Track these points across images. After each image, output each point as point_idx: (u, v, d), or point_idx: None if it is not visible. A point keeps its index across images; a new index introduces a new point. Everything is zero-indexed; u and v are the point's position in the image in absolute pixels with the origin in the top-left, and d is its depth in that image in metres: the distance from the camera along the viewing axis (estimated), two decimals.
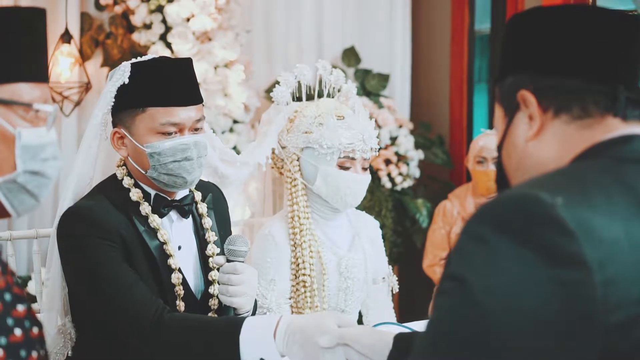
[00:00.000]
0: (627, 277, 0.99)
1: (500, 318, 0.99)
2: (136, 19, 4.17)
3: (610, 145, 1.18)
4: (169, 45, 4.11)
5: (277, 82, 2.67)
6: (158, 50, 4.04)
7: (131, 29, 4.26)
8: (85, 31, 4.39)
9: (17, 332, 1.17)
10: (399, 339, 1.69)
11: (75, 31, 4.33)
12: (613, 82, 1.21)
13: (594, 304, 0.97)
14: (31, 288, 3.98)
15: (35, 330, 1.21)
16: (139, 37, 4.17)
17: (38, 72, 1.35)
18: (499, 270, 1.00)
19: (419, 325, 2.24)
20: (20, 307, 1.19)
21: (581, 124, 1.21)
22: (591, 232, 1.00)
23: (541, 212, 1.01)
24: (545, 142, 1.24)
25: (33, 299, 3.78)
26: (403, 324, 2.21)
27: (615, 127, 1.20)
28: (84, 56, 4.35)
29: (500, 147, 1.33)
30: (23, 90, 1.31)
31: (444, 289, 1.07)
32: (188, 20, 4.11)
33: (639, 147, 1.17)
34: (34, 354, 1.20)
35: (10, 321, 1.16)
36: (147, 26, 4.17)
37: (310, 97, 2.70)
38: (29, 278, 4.10)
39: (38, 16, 1.36)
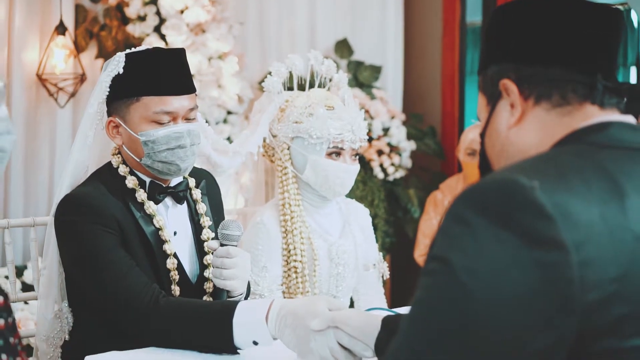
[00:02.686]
0: (602, 258, 1.03)
1: (483, 297, 1.02)
2: (130, 11, 4.20)
3: (589, 131, 1.22)
4: (163, 37, 4.14)
5: (269, 74, 2.70)
6: (152, 42, 4.07)
7: (125, 20, 4.29)
8: (79, 23, 4.42)
9: None
10: (387, 321, 1.72)
11: (69, 23, 4.35)
12: (592, 71, 1.25)
13: (571, 284, 1.01)
14: (27, 277, 4.02)
15: (9, 319, 1.24)
16: (133, 29, 4.21)
17: None
18: (481, 252, 1.04)
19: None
20: None
21: (561, 111, 1.25)
22: (568, 215, 1.03)
23: (520, 195, 1.04)
24: (526, 129, 1.28)
25: (30, 287, 3.83)
26: (393, 309, 2.25)
27: (593, 115, 1.24)
28: (78, 48, 4.38)
29: (483, 135, 1.37)
30: None
31: (428, 269, 1.10)
32: (182, 12, 4.14)
33: (615, 134, 1.21)
34: (1, 321, 1.23)
35: None
36: (142, 18, 4.20)
37: (301, 87, 2.74)
38: (25, 267, 4.13)
39: None
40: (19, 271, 4.07)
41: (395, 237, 4.83)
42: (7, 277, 3.68)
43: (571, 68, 1.25)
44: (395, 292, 4.90)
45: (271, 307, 1.85)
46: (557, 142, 1.24)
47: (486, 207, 1.06)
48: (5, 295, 1.26)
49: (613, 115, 1.25)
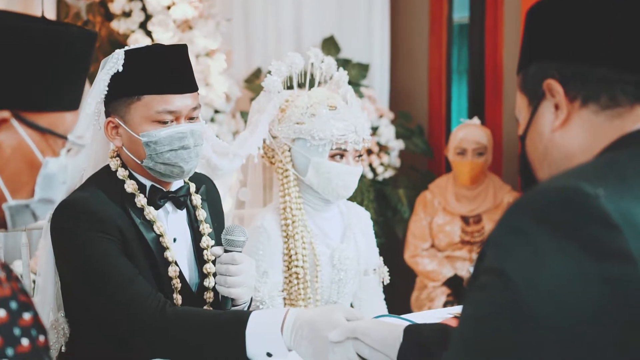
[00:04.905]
0: None
1: (544, 313, 0.96)
2: (115, 7, 4.10)
3: None
4: (149, 34, 4.05)
5: (259, 70, 2.63)
6: (138, 39, 3.98)
7: (109, 17, 4.19)
8: (61, 19, 4.31)
9: (25, 342, 1.13)
10: (409, 331, 1.66)
11: (51, 19, 4.24)
12: None
13: None
14: None
15: (41, 338, 1.17)
16: (118, 26, 4.10)
17: (76, 100, 1.33)
18: (542, 264, 0.97)
19: (418, 317, 2.22)
20: (27, 315, 1.15)
21: (610, 113, 1.18)
22: (635, 224, 0.97)
23: (584, 204, 0.98)
24: (572, 132, 1.21)
25: None
26: (400, 316, 2.19)
27: None
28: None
29: (524, 137, 1.30)
30: (60, 120, 1.28)
31: (481, 283, 1.04)
32: (169, 8, 4.06)
33: None
34: None
35: (17, 331, 1.12)
36: (127, 14, 4.10)
37: (301, 86, 2.67)
38: None
39: (91, 40, 1.33)
40: None
41: (384, 238, 4.78)
42: None
43: (620, 67, 1.18)
44: (385, 293, 4.84)
45: (286, 318, 1.78)
46: (608, 146, 1.18)
47: (547, 216, 1.00)
48: (46, 333, 1.20)
49: None
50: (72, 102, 1.30)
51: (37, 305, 2.09)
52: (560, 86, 1.21)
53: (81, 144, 1.32)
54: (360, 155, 2.60)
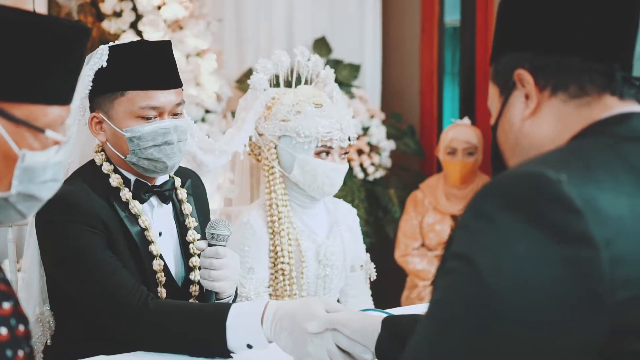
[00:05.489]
0: (633, 254, 0.99)
1: (508, 296, 0.98)
2: (106, 7, 4.11)
3: (610, 123, 1.17)
4: (139, 34, 4.07)
5: (251, 71, 2.64)
6: (129, 39, 3.98)
7: (100, 17, 4.20)
8: None
9: (3, 331, 1.14)
10: (387, 322, 1.67)
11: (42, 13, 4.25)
12: (610, 60, 1.20)
13: (601, 282, 0.97)
14: None
15: (21, 327, 1.18)
16: (109, 25, 4.12)
17: (64, 95, 1.29)
18: (506, 248, 0.99)
19: (401, 311, 2.22)
20: (6, 305, 1.16)
21: (579, 102, 1.20)
22: (597, 209, 0.99)
23: (547, 189, 1.00)
24: (542, 121, 1.23)
25: None
26: (385, 310, 2.20)
27: (613, 106, 1.19)
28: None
29: (495, 127, 1.32)
30: (40, 112, 1.24)
31: (448, 268, 1.05)
32: (159, 8, 4.07)
33: (636, 125, 1.17)
34: (20, 352, 1.16)
35: None
36: (117, 14, 4.11)
37: (288, 84, 2.68)
38: None
39: (81, 35, 1.30)
40: None
41: (375, 238, 4.79)
42: None
43: (589, 57, 1.20)
44: (375, 292, 4.85)
45: (266, 309, 1.79)
46: (576, 134, 1.19)
47: (511, 201, 1.01)
48: (27, 322, 1.20)
49: (633, 106, 1.20)
50: (54, 96, 1.26)
51: (23, 299, 2.11)
52: (530, 76, 1.23)
53: (58, 138, 1.28)
54: (346, 153, 2.61)
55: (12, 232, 2.48)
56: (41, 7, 4.23)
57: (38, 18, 1.26)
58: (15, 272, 2.45)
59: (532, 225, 0.98)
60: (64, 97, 1.29)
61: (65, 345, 2.11)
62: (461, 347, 1.01)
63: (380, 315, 1.73)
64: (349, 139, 2.59)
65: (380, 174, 4.78)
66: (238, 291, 2.43)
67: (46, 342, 2.16)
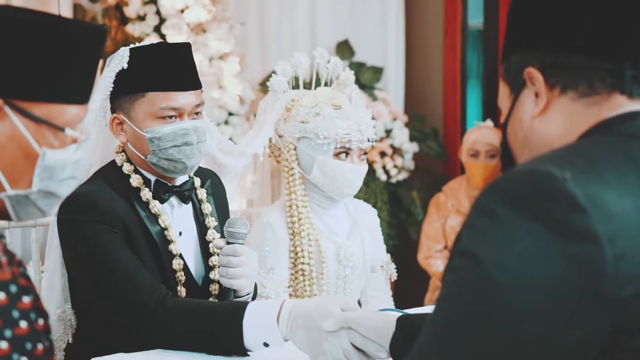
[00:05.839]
0: (637, 251, 0.99)
1: (513, 293, 0.99)
2: (130, 11, 4.16)
3: (617, 122, 1.18)
4: (163, 37, 4.11)
5: (274, 72, 2.66)
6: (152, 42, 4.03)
7: (125, 20, 4.25)
8: None
9: (23, 324, 1.16)
10: (402, 321, 1.68)
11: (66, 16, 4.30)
12: (619, 59, 1.20)
13: (605, 279, 0.97)
14: None
15: (40, 321, 1.20)
16: (133, 29, 4.16)
17: (82, 94, 1.33)
18: (511, 246, 1.00)
19: (418, 311, 2.23)
20: (26, 299, 1.18)
21: (588, 101, 1.20)
22: (601, 207, 1.00)
23: (551, 187, 1.01)
24: (551, 119, 1.23)
25: None
26: (403, 310, 2.21)
27: (622, 105, 1.20)
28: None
29: (505, 125, 1.32)
30: (59, 111, 1.28)
31: (454, 265, 1.06)
32: (182, 11, 4.11)
33: None
34: (40, 346, 1.18)
35: (15, 313, 1.15)
36: (141, 18, 4.16)
37: (307, 86, 2.70)
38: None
39: (98, 35, 1.34)
40: None
41: (398, 240, 4.79)
42: None
43: (598, 56, 1.20)
44: (399, 295, 4.86)
45: (282, 308, 1.81)
46: (584, 132, 1.20)
47: (516, 199, 1.02)
48: (46, 317, 1.23)
49: None
50: (72, 95, 1.30)
51: (45, 297, 2.15)
52: (540, 74, 1.23)
53: (77, 136, 1.31)
54: (365, 154, 2.62)
55: (36, 233, 2.52)
56: (66, 11, 4.28)
57: (56, 20, 1.29)
58: (38, 272, 2.48)
59: (536, 222, 0.99)
60: (82, 97, 1.33)
61: (86, 343, 2.14)
62: (466, 343, 1.02)
63: (396, 314, 1.74)
64: (368, 140, 2.60)
65: (403, 176, 4.78)
66: (259, 291, 2.45)
67: (68, 340, 2.19)
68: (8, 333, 1.13)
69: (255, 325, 1.83)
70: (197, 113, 2.13)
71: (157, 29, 4.14)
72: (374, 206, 4.56)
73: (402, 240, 4.82)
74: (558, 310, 0.98)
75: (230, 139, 4.20)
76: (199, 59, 4.11)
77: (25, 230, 3.97)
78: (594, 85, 1.20)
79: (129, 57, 2.09)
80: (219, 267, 2.12)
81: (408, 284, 4.75)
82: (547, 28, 1.24)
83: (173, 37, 4.05)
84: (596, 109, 1.20)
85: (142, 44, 2.15)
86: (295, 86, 2.69)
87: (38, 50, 1.25)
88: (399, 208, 4.81)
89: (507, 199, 1.03)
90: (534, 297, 0.98)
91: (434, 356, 1.05)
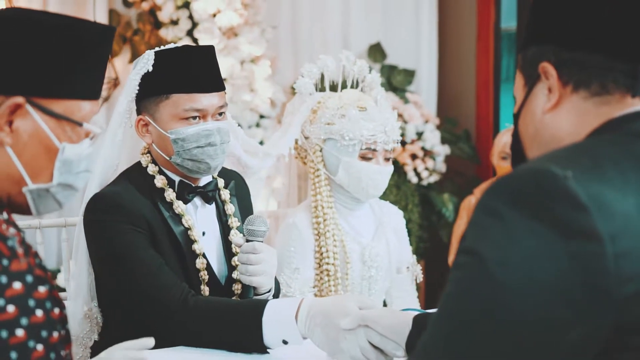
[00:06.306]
0: (639, 250, 1.00)
1: (515, 291, 1.00)
2: (163, 15, 4.21)
3: (625, 121, 1.18)
4: (195, 41, 4.15)
5: (301, 75, 2.68)
6: None
7: (158, 25, 4.30)
8: None
9: (39, 313, 1.19)
10: (418, 319, 1.69)
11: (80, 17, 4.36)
12: (634, 61, 1.20)
13: (607, 277, 0.98)
14: (60, 280, 4.02)
15: (56, 310, 1.24)
16: (166, 33, 4.21)
17: (95, 90, 1.39)
18: (513, 244, 1.01)
19: None
20: (42, 289, 1.21)
21: (599, 100, 1.20)
22: (603, 205, 1.00)
23: (553, 185, 1.01)
24: (562, 115, 1.24)
25: (62, 289, 3.83)
26: (425, 310, 2.21)
27: (632, 105, 1.19)
28: (112, 52, 4.40)
29: (517, 116, 1.33)
30: (76, 107, 1.35)
31: (459, 263, 1.07)
32: (214, 15, 4.14)
33: None
34: (55, 334, 1.22)
35: (31, 302, 1.19)
36: (174, 22, 4.21)
37: (333, 88, 2.71)
38: (59, 271, 4.14)
39: (108, 34, 1.40)
40: (53, 274, 4.08)
41: (429, 242, 4.79)
42: None
43: (614, 56, 1.19)
44: (430, 297, 4.85)
45: (301, 306, 1.83)
46: (592, 131, 1.20)
47: (518, 198, 1.03)
48: (62, 306, 1.26)
49: None
50: (87, 91, 1.36)
51: (72, 297, 2.19)
52: (554, 70, 1.23)
53: (95, 131, 1.38)
54: (391, 155, 2.63)
55: (66, 232, 2.57)
56: (102, 16, 4.36)
57: (70, 21, 1.34)
58: (68, 270, 2.52)
59: (538, 221, 1.00)
60: (95, 92, 1.39)
61: (112, 341, 2.15)
62: (470, 340, 1.03)
63: (413, 312, 1.75)
64: (393, 142, 2.61)
65: (434, 178, 4.78)
66: (284, 291, 2.48)
67: (94, 338, 2.23)
68: (24, 321, 1.17)
69: (274, 323, 1.85)
70: (220, 114, 2.16)
71: (189, 33, 4.18)
72: (405, 208, 4.59)
73: (433, 243, 4.82)
74: (560, 308, 0.98)
75: (261, 141, 4.23)
76: (230, 62, 4.14)
77: (58, 235, 4.04)
78: (606, 86, 1.20)
79: (154, 60, 2.12)
80: (238, 265, 2.14)
81: (439, 287, 4.74)
82: (565, 24, 1.22)
83: (205, 41, 4.10)
84: (606, 108, 1.20)
85: (166, 46, 2.18)
86: (322, 89, 2.71)
87: (55, 49, 1.31)
88: (430, 210, 4.80)
89: (510, 197, 1.03)
90: (536, 295, 0.99)
91: (438, 353, 1.06)
